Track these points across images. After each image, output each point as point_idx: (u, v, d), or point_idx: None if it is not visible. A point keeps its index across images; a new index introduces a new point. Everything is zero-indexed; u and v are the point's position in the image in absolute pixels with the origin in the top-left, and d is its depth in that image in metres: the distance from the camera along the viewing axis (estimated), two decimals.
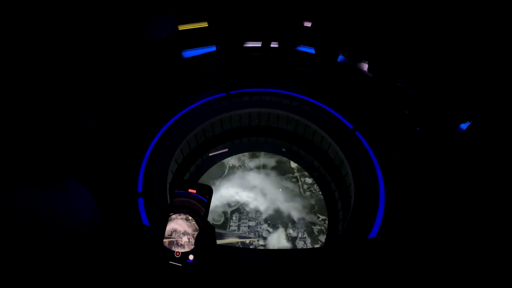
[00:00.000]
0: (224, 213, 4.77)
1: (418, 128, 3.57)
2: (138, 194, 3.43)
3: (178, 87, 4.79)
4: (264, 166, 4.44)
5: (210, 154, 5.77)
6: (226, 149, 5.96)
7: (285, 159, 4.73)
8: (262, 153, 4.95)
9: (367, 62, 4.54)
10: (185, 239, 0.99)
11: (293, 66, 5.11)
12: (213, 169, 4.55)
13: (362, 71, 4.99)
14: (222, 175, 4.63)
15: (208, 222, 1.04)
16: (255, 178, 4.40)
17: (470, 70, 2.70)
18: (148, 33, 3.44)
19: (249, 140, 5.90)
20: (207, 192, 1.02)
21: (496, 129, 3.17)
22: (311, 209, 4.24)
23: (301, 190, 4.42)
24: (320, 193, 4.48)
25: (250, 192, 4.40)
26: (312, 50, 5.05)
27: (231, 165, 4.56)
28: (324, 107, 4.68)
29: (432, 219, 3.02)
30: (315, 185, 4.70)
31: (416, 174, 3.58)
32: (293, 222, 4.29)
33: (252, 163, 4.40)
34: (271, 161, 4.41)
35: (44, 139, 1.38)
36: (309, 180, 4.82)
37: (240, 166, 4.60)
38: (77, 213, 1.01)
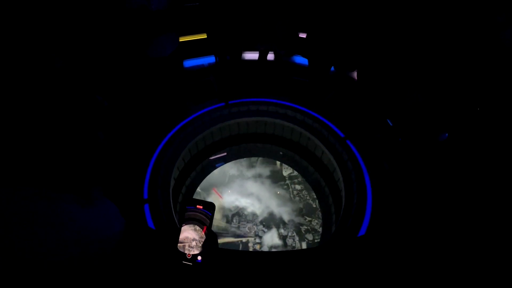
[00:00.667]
0: (226, 216, 5.44)
1: (400, 139, 3.88)
2: (144, 200, 3.70)
3: (179, 97, 5.06)
4: (260, 175, 5.04)
5: (210, 158, 6.04)
6: (225, 153, 6.24)
7: (278, 168, 5.31)
8: (259, 161, 5.54)
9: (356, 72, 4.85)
10: (194, 244, 1.27)
11: (288, 77, 5.41)
12: (216, 178, 5.10)
13: (353, 80, 5.30)
14: (224, 183, 5.24)
15: (212, 231, 1.32)
16: (252, 186, 5.02)
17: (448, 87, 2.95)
18: (152, 51, 3.70)
19: (247, 146, 6.18)
20: (211, 208, 1.30)
21: (477, 136, 3.48)
22: (300, 212, 4.69)
23: (291, 195, 4.98)
24: (308, 197, 5.07)
25: (248, 198, 5.02)
26: (306, 61, 5.36)
27: (231, 174, 5.11)
28: (317, 116, 4.98)
29: (417, 219, 3.31)
30: (304, 191, 5.33)
31: (401, 177, 3.87)
32: (284, 223, 4.95)
33: (249, 173, 5.00)
34: (266, 170, 4.95)
35: (75, 157, 1.65)
36: (298, 187, 5.45)
37: (239, 175, 5.20)
38: (111, 225, 1.29)
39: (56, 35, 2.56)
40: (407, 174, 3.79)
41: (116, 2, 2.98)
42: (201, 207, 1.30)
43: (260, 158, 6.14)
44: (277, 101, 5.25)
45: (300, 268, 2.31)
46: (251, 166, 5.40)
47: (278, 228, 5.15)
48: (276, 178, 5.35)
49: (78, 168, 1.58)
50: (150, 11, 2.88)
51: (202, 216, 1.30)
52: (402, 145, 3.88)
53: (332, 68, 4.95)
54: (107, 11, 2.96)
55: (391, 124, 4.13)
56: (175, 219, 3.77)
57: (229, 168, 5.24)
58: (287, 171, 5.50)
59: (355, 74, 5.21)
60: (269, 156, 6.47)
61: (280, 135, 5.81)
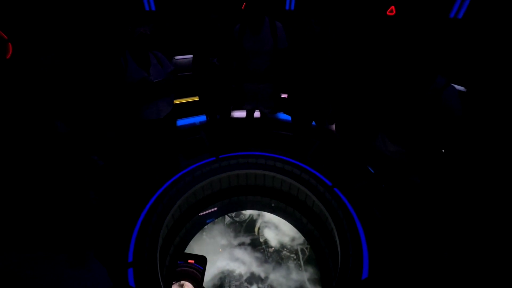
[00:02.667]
0: (220, 277, 6.75)
1: (383, 185, 4.10)
2: (128, 264, 3.44)
3: (171, 153, 5.26)
4: (243, 243, 6.95)
5: (200, 214, 5.87)
6: (215, 208, 6.11)
7: (256, 236, 7.04)
8: (242, 229, 7.17)
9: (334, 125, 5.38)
10: None
11: (274, 132, 5.87)
12: (208, 247, 6.64)
13: (334, 132, 5.81)
14: (215, 251, 6.81)
15: (204, 287, 1.31)
16: (238, 252, 6.85)
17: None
18: (148, 114, 4.02)
19: (238, 199, 6.15)
20: (203, 262, 1.33)
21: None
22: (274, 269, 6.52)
23: (266, 257, 6.84)
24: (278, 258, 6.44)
25: (235, 262, 6.74)
26: (289, 118, 5.91)
27: (221, 244, 6.88)
28: (304, 166, 5.22)
29: (415, 263, 3.27)
30: (279, 252, 6.86)
31: (393, 222, 3.92)
32: (263, 280, 6.56)
33: (235, 241, 6.93)
34: (247, 239, 6.98)
35: (68, 216, 1.69)
36: (270, 249, 6.98)
37: (227, 245, 6.91)
38: (102, 285, 1.27)
39: (58, 99, 2.84)
40: (398, 218, 3.86)
41: (117, 74, 3.43)
42: (192, 261, 1.32)
43: (244, 226, 7.32)
44: (266, 154, 5.54)
45: None
46: (237, 236, 7.05)
47: (257, 283, 6.58)
48: (255, 244, 7.04)
49: (72, 228, 1.62)
50: (150, 82, 3.30)
51: (194, 271, 1.30)
52: (386, 191, 4.08)
53: (314, 123, 5.47)
54: (109, 79, 3.38)
55: (372, 172, 4.40)
56: (161, 283, 3.45)
57: (220, 238, 6.88)
58: (263, 237, 7.14)
59: (333, 127, 5.75)
60: (260, 208, 6.40)
61: (270, 186, 5.90)
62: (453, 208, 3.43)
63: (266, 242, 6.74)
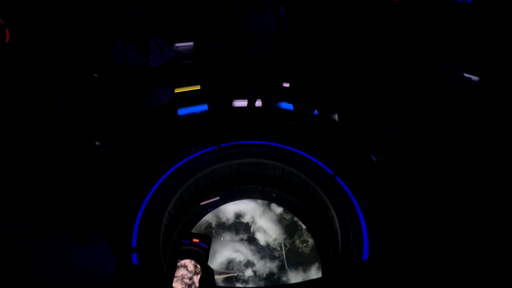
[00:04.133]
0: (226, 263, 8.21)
1: (385, 173, 4.10)
2: (132, 249, 3.50)
3: (173, 142, 5.26)
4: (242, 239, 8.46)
5: (201, 203, 5.92)
6: (217, 197, 6.16)
7: (251, 234, 8.40)
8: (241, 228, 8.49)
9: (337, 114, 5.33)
10: (190, 279, 1.27)
11: (275, 121, 5.83)
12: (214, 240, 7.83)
13: (336, 121, 5.77)
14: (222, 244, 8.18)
15: (208, 266, 1.33)
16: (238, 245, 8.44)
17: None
18: (150, 101, 3.98)
19: (239, 188, 6.18)
20: (207, 241, 1.34)
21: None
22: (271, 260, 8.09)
23: (258, 249, 8.58)
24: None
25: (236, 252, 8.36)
26: (291, 107, 5.86)
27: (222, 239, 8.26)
28: (306, 156, 5.22)
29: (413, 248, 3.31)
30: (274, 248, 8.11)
31: (394, 211, 3.95)
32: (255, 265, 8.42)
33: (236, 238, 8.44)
34: (245, 236, 8.53)
35: (72, 199, 1.70)
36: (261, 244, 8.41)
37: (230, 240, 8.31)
38: (106, 265, 1.28)
39: (64, 86, 2.81)
40: (399, 207, 3.89)
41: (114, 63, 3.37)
42: (197, 240, 1.33)
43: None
44: (267, 143, 5.53)
45: None
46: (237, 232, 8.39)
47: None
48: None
49: (76, 209, 1.63)
50: (150, 68, 3.25)
51: (198, 249, 1.32)
52: (388, 179, 4.08)
53: (316, 112, 5.43)
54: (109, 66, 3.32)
55: (375, 160, 4.39)
56: (164, 268, 3.52)
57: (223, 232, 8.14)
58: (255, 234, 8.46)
59: (336, 116, 5.70)
60: (262, 197, 6.45)
61: (272, 175, 5.91)
62: (455, 194, 3.44)
63: (257, 238, 8.54)
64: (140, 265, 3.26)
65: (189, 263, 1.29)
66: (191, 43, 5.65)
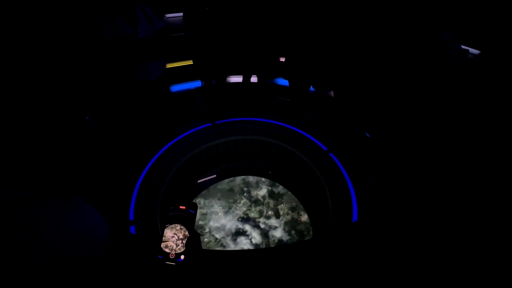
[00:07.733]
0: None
1: (377, 149, 4.14)
2: (130, 222, 3.62)
3: (167, 119, 5.20)
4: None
5: (198, 181, 6.01)
6: (214, 175, 6.25)
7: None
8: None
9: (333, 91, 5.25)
10: (177, 243, 1.32)
11: (271, 97, 5.74)
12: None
13: (331, 98, 5.69)
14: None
15: (195, 230, 1.38)
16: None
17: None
18: (140, 76, 3.87)
19: (235, 165, 6.26)
20: (194, 207, 1.37)
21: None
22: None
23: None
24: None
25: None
26: (287, 83, 5.74)
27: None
28: (301, 132, 5.22)
29: (401, 223, 3.45)
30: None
31: (384, 186, 4.05)
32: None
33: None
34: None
35: (61, 170, 1.71)
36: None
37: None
38: (96, 229, 1.33)
39: (47, 59, 2.70)
40: (389, 180, 3.98)
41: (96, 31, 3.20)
42: (184, 207, 1.36)
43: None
44: (263, 120, 5.49)
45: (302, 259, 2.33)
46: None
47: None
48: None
49: (62, 179, 1.64)
50: (137, 39, 3.11)
51: (186, 215, 1.36)
52: (380, 154, 4.13)
53: (312, 88, 5.33)
54: (95, 37, 3.17)
55: (368, 136, 4.41)
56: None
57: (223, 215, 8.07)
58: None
59: (332, 93, 5.61)
60: (257, 174, 6.55)
61: (267, 152, 5.96)
62: (445, 168, 3.48)
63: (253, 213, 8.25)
64: (138, 235, 3.39)
65: (177, 227, 1.34)
66: (182, 14, 5.36)
